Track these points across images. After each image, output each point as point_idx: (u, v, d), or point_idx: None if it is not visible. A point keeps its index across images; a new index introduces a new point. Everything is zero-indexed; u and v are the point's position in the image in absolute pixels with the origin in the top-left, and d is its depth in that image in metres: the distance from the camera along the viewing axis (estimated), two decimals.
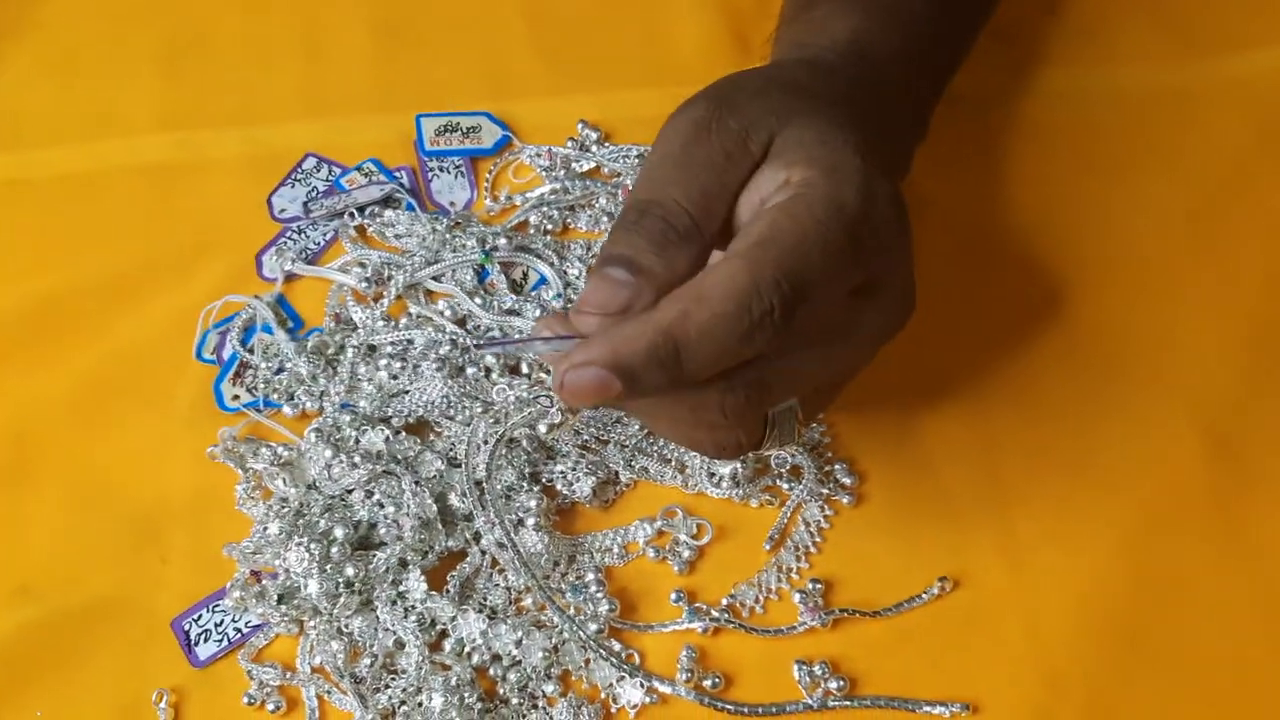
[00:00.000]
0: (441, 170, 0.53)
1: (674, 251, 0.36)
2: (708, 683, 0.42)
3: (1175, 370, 0.48)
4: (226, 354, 0.48)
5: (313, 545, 0.42)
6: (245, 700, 0.42)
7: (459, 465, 0.45)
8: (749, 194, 0.37)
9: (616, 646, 0.43)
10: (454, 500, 0.44)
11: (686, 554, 0.45)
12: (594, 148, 0.53)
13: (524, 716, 0.41)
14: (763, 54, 0.52)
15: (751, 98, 0.38)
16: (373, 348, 0.48)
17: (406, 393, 0.46)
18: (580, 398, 0.34)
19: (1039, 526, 0.45)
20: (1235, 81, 0.55)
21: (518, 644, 0.42)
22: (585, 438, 0.46)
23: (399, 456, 0.45)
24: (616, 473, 0.46)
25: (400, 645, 0.42)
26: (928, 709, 0.41)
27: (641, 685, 0.42)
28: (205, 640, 0.43)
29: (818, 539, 0.45)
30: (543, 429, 0.44)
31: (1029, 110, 0.55)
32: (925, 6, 0.47)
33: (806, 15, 0.46)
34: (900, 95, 0.44)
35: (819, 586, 0.44)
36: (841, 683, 0.42)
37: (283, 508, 0.44)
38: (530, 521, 0.44)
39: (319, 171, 0.53)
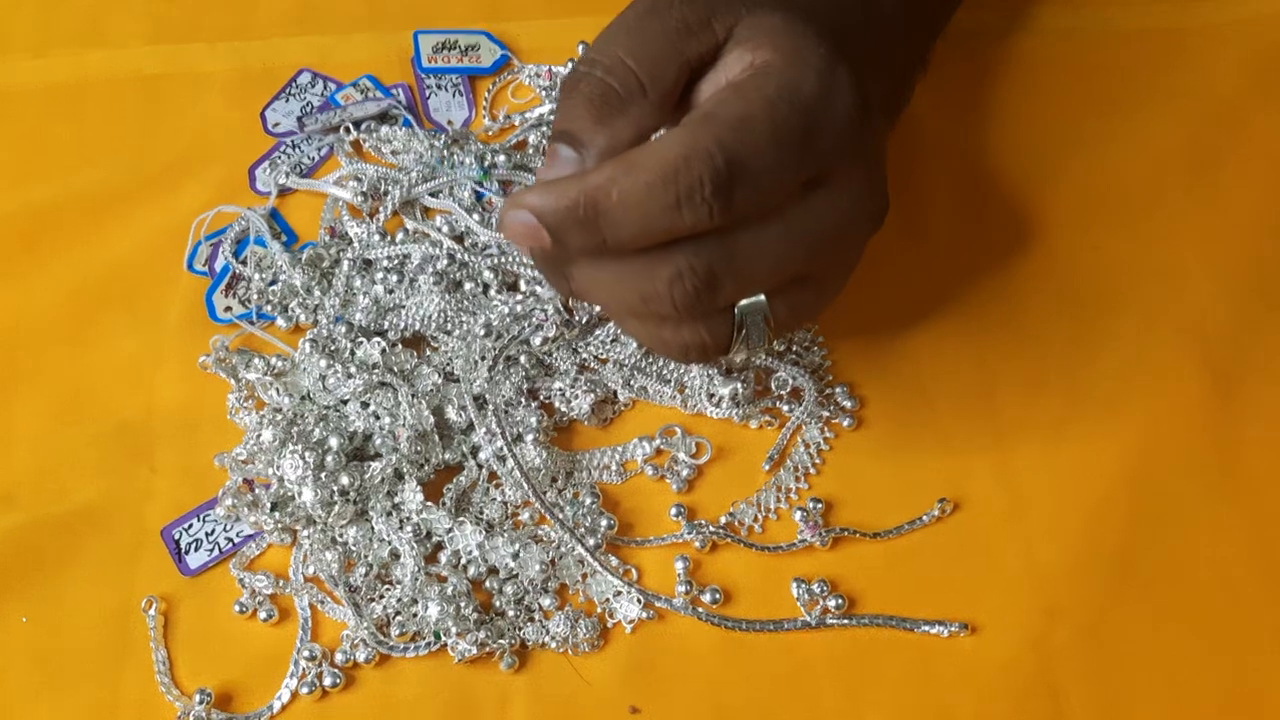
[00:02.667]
0: (439, 88, 0.52)
1: (615, 115, 0.36)
2: (706, 596, 0.42)
3: (1172, 303, 0.48)
4: (219, 265, 0.47)
5: (307, 453, 0.41)
6: (236, 609, 0.41)
7: (456, 380, 0.44)
8: (714, 76, 0.37)
9: (614, 562, 0.42)
10: (451, 414, 0.44)
11: (685, 473, 0.44)
12: None
13: (520, 629, 0.41)
14: None
15: None
16: (368, 262, 0.47)
17: (403, 307, 0.46)
18: (514, 238, 0.35)
19: (1036, 455, 0.45)
20: (1230, 22, 0.55)
21: (515, 557, 0.42)
22: (584, 356, 0.46)
23: (395, 369, 0.44)
24: (615, 391, 0.46)
25: (395, 556, 0.42)
26: (926, 628, 0.41)
27: (639, 600, 0.41)
28: (195, 549, 0.42)
29: (817, 460, 0.45)
30: (537, 341, 0.43)
31: (1027, 47, 0.54)
32: None
33: None
34: (895, 20, 0.43)
35: (819, 505, 0.43)
36: (840, 601, 0.42)
37: (276, 416, 0.43)
38: (529, 437, 0.43)
39: (314, 87, 0.52)
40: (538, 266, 0.38)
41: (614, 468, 0.44)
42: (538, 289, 0.46)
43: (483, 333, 0.44)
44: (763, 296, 0.37)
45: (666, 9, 0.37)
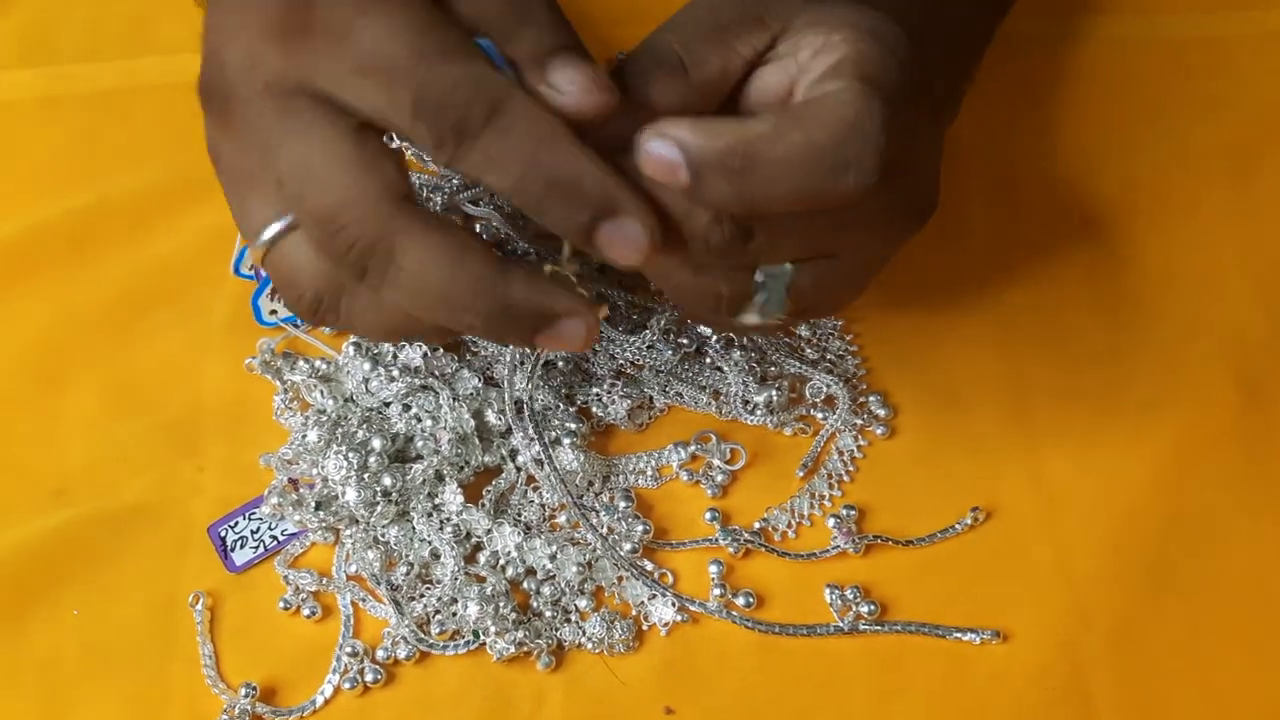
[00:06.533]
0: None
1: (655, 80, 0.34)
2: (740, 600, 0.42)
3: (1208, 313, 0.48)
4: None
5: (351, 454, 0.42)
6: (281, 605, 0.42)
7: (495, 384, 0.45)
8: (780, 65, 0.35)
9: (649, 566, 0.43)
10: (490, 417, 0.45)
11: (720, 478, 0.45)
12: None
13: (557, 629, 0.42)
14: None
15: None
16: None
17: None
18: (648, 168, 0.32)
19: (1069, 463, 0.45)
20: (1273, 33, 0.55)
21: (552, 558, 0.42)
22: (621, 362, 0.46)
23: (436, 372, 0.45)
24: (651, 397, 0.46)
25: (436, 556, 0.43)
26: (958, 635, 0.42)
27: (674, 604, 0.42)
28: (241, 546, 0.43)
29: (851, 468, 0.45)
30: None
31: (1070, 54, 0.55)
32: None
33: None
34: (956, 24, 0.44)
35: (852, 513, 0.44)
36: (872, 607, 0.42)
37: (321, 418, 0.44)
38: (566, 441, 0.44)
39: None
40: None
41: (649, 472, 0.45)
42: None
43: None
44: (789, 265, 0.36)
45: (722, 2, 0.36)
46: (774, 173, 0.32)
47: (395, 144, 0.51)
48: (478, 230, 0.49)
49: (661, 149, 0.32)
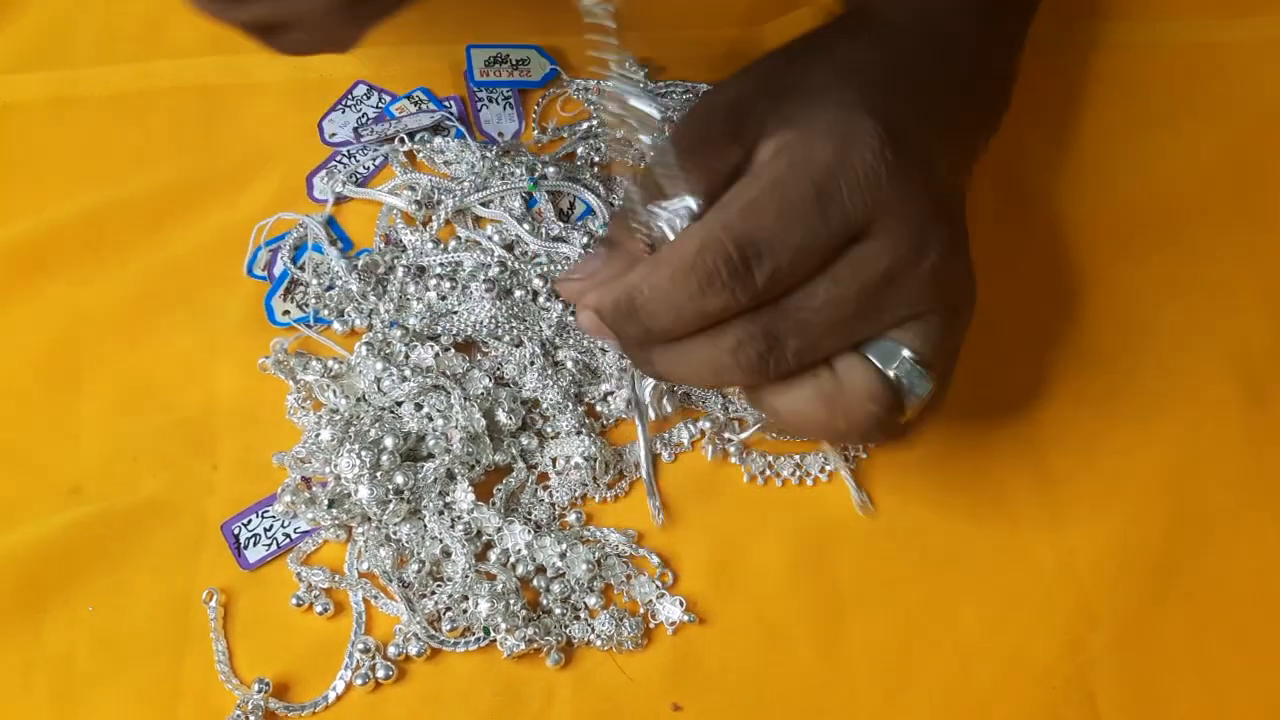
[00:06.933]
0: (490, 101, 0.54)
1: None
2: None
3: (1212, 320, 0.49)
4: (278, 270, 0.49)
5: (363, 452, 0.43)
6: (294, 602, 0.43)
7: (506, 383, 0.46)
8: (747, 174, 0.39)
9: (655, 560, 0.44)
10: (501, 416, 0.45)
11: (731, 448, 0.45)
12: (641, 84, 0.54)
13: (567, 626, 0.42)
14: None
15: (746, 86, 0.41)
16: (422, 269, 0.48)
17: (455, 313, 0.47)
18: (592, 334, 0.40)
19: (1074, 466, 0.46)
20: (1273, 40, 0.56)
21: (562, 556, 0.43)
22: (627, 362, 0.47)
23: (448, 372, 0.45)
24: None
25: (447, 554, 0.43)
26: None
27: (680, 603, 0.43)
28: (254, 544, 0.44)
29: (860, 452, 0.46)
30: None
31: (1073, 60, 0.55)
32: None
33: None
34: (968, 50, 0.45)
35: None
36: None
37: (334, 417, 0.44)
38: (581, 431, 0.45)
39: (369, 98, 0.54)
40: (627, 355, 0.41)
41: (663, 450, 0.46)
42: None
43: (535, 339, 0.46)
44: (891, 340, 0.39)
45: (706, 121, 0.40)
46: (652, 309, 0.37)
47: (407, 146, 0.52)
48: (489, 234, 0.49)
49: (587, 318, 0.39)
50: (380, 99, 0.54)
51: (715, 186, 0.39)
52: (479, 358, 0.47)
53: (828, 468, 0.45)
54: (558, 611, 0.42)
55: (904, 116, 0.39)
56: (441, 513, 0.43)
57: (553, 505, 0.44)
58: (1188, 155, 0.52)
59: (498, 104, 0.54)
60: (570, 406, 0.46)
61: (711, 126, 0.40)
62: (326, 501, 0.43)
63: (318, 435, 0.44)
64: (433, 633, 0.42)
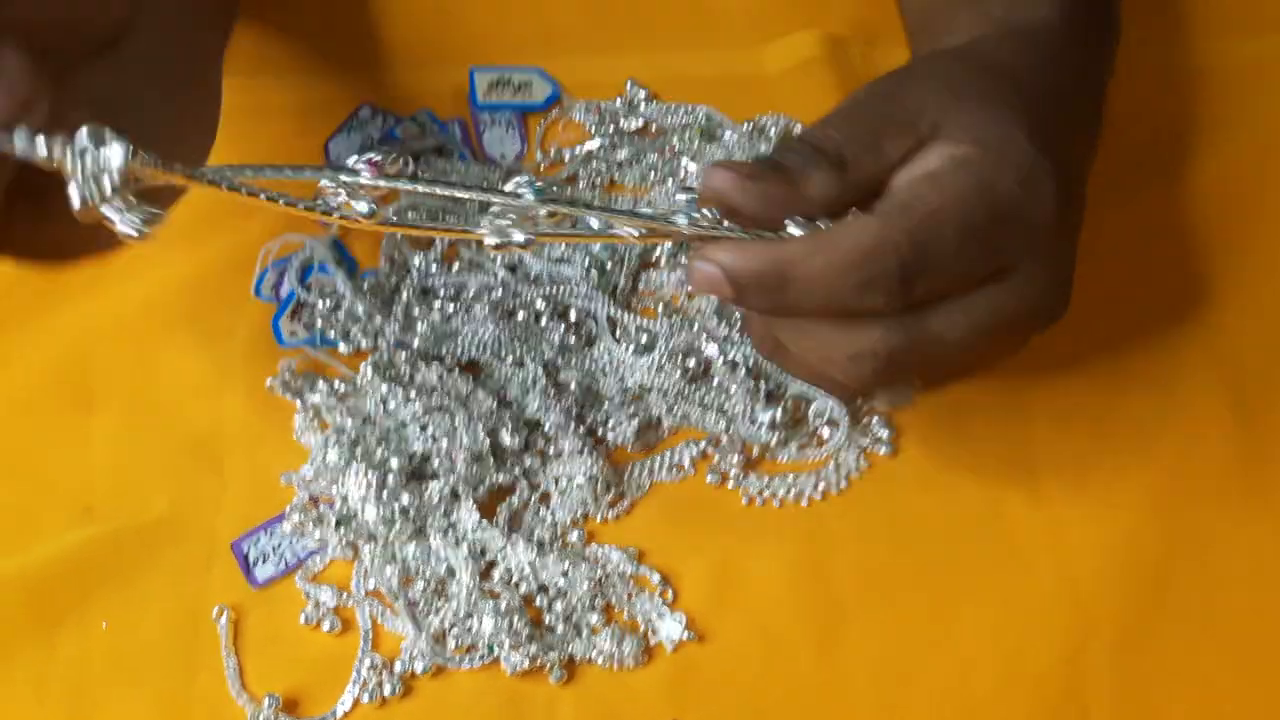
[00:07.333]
0: (493, 123, 0.55)
1: (815, 171, 0.37)
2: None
3: (1205, 340, 0.49)
4: (284, 291, 0.50)
5: (370, 472, 0.44)
6: (302, 619, 0.44)
7: (509, 404, 0.47)
8: (912, 167, 0.38)
9: (655, 579, 0.44)
10: (504, 437, 0.46)
11: (733, 471, 0.46)
12: (642, 105, 0.55)
13: (569, 644, 0.43)
14: (810, 18, 0.54)
15: (925, 79, 0.40)
16: (426, 290, 0.49)
17: (459, 334, 0.48)
18: (696, 285, 0.37)
19: (1069, 483, 0.47)
20: (1270, 60, 0.56)
21: (564, 575, 0.44)
22: (629, 386, 0.48)
23: (452, 393, 0.46)
24: (659, 418, 0.48)
25: (451, 572, 0.44)
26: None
27: (680, 621, 0.44)
28: (263, 562, 0.45)
29: (864, 463, 0.47)
30: None
31: None
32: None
33: None
34: (1080, 78, 0.45)
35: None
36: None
37: (340, 437, 0.45)
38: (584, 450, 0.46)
39: (374, 121, 0.55)
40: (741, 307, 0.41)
41: (664, 471, 0.47)
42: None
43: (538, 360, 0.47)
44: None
45: (876, 102, 0.39)
46: (804, 289, 0.36)
47: (411, 168, 0.53)
48: (493, 255, 0.50)
49: (705, 269, 0.37)
50: (385, 121, 0.55)
51: (870, 175, 0.38)
52: (483, 377, 0.48)
53: (822, 488, 0.46)
54: (560, 629, 0.43)
55: (1071, 163, 0.39)
56: (446, 532, 0.44)
57: (555, 524, 0.45)
58: (1180, 175, 0.53)
59: (500, 126, 0.55)
60: (572, 427, 0.47)
61: (885, 113, 0.39)
62: (334, 521, 0.44)
63: (325, 455, 0.45)
64: (438, 650, 0.43)
